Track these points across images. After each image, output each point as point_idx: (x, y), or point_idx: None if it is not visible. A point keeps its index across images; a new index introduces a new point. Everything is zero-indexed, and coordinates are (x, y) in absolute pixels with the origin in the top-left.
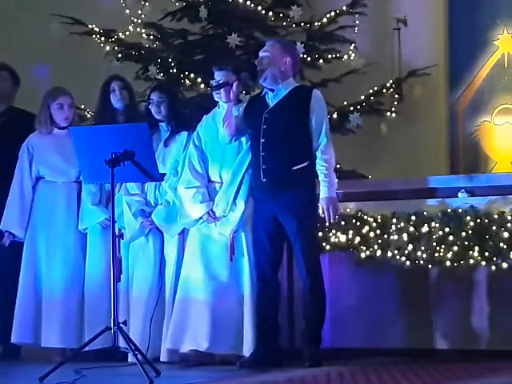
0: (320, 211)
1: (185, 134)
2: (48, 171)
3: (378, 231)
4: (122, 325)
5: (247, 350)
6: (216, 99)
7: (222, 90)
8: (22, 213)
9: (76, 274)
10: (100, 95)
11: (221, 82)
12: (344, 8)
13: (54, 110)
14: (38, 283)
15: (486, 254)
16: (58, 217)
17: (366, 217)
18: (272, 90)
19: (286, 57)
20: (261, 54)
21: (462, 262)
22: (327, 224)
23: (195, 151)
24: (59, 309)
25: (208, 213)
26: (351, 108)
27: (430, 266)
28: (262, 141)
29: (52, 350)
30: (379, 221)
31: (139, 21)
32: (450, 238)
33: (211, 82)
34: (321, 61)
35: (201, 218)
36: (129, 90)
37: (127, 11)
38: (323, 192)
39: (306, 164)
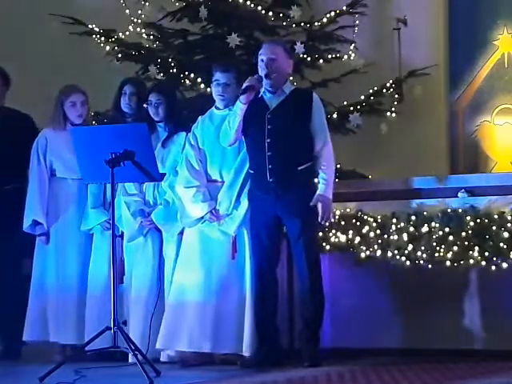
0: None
1: (183, 134)
2: (60, 166)
3: (378, 231)
4: (121, 325)
5: (247, 349)
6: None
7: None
8: (42, 204)
9: (81, 272)
10: (115, 95)
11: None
12: (344, 8)
13: (67, 108)
14: (45, 280)
15: (486, 254)
16: (67, 213)
17: (366, 217)
18: (271, 92)
19: (289, 60)
20: (268, 56)
21: (461, 262)
22: (322, 223)
23: (192, 150)
24: (59, 306)
25: (211, 212)
26: (351, 108)
27: (430, 265)
28: (268, 141)
29: (52, 349)
30: (379, 221)
31: (139, 21)
32: (450, 237)
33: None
34: (321, 61)
35: (202, 217)
36: (140, 95)
37: (127, 11)
38: (320, 189)
39: (309, 164)
